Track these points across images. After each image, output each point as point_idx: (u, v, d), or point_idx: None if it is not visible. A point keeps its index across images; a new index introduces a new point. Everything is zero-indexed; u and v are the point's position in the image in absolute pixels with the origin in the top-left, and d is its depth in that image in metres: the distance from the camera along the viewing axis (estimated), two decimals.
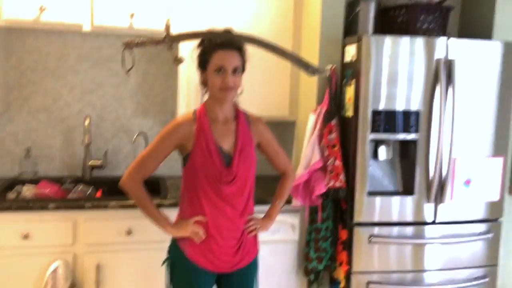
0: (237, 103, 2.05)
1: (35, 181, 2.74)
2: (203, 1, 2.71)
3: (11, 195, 2.60)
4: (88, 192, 2.76)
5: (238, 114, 2.02)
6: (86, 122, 2.88)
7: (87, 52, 2.99)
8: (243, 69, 1.95)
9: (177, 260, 2.00)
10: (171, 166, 3.16)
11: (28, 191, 2.61)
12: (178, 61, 1.87)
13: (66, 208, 2.42)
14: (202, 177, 1.92)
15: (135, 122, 3.09)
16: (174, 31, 1.97)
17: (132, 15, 2.63)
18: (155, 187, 2.88)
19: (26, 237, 2.37)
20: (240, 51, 1.93)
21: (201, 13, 2.73)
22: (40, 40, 2.91)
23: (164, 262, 2.07)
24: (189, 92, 2.79)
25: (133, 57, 1.88)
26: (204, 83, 1.97)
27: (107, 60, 3.01)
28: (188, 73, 2.76)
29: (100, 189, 2.86)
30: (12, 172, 2.94)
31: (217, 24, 2.66)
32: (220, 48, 1.88)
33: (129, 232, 2.48)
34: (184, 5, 2.71)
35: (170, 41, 1.87)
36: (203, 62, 1.93)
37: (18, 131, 2.94)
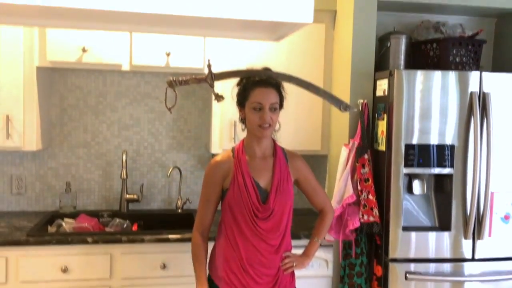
0: (275, 139, 2.09)
1: (74, 215, 2.83)
2: (236, 40, 2.79)
3: (52, 229, 2.69)
4: (125, 226, 2.82)
5: (276, 150, 2.05)
6: (124, 157, 2.97)
7: (125, 90, 3.11)
8: (280, 106, 1.99)
9: None
10: None
11: (67, 225, 2.70)
12: (219, 98, 1.92)
13: (103, 242, 2.48)
14: (238, 212, 1.95)
15: (170, 157, 3.17)
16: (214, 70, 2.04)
17: (168, 54, 2.74)
18: (189, 220, 2.92)
19: (65, 270, 2.43)
20: (278, 88, 1.97)
21: (235, 51, 2.81)
22: (81, 79, 3.06)
23: None
24: (222, 127, 2.86)
25: (176, 95, 1.93)
26: (243, 120, 2.03)
27: (144, 96, 3.12)
28: (221, 109, 2.82)
29: (135, 223, 2.92)
30: (53, 206, 3.04)
31: (251, 62, 2.75)
32: (258, 86, 1.94)
33: (163, 267, 2.51)
34: (219, 44, 2.80)
35: (212, 79, 1.93)
36: (241, 100, 1.99)
37: (59, 166, 3.05)
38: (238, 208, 1.95)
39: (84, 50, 2.67)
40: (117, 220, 2.84)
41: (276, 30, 1.20)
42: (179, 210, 3.08)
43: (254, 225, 1.95)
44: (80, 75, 3.05)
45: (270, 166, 2.02)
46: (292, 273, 2.10)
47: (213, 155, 3.11)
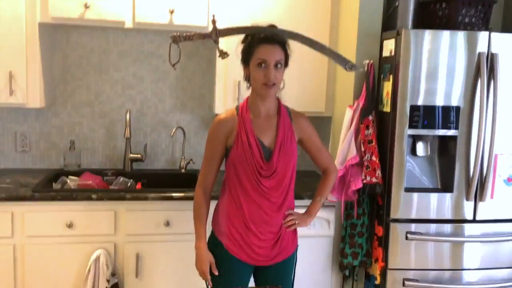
0: (280, 98, 2.07)
1: (78, 173, 2.85)
2: None
3: (57, 185, 2.72)
4: (129, 184, 2.85)
5: (280, 109, 2.04)
6: (127, 117, 2.96)
7: (129, 48, 3.07)
8: (285, 64, 1.97)
9: (215, 250, 2.04)
10: None
11: (72, 182, 2.72)
12: (224, 54, 1.90)
13: (108, 199, 2.50)
14: (241, 170, 1.96)
15: (174, 117, 3.16)
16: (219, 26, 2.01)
17: (172, 11, 2.69)
18: (193, 180, 2.94)
19: (70, 226, 2.47)
20: (283, 46, 1.94)
21: (239, 8, 2.76)
22: (84, 37, 3.02)
23: None
24: (226, 86, 2.84)
25: (180, 51, 1.91)
26: (247, 78, 2.00)
27: (148, 56, 3.09)
28: (225, 69, 2.80)
29: (139, 182, 2.94)
30: (58, 164, 3.06)
31: (255, 18, 2.70)
32: (263, 43, 1.91)
33: (167, 224, 2.55)
34: (223, 1, 2.74)
35: (217, 35, 1.90)
36: (246, 57, 1.96)
37: (63, 124, 3.06)
38: (241, 166, 1.96)
39: (86, 6, 2.62)
40: (121, 178, 2.86)
41: None
42: (183, 170, 3.10)
43: (257, 183, 1.96)
44: (83, 33, 3.01)
45: (274, 125, 2.01)
46: (295, 231, 2.13)
47: (217, 115, 3.11)
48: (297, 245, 2.15)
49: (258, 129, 1.99)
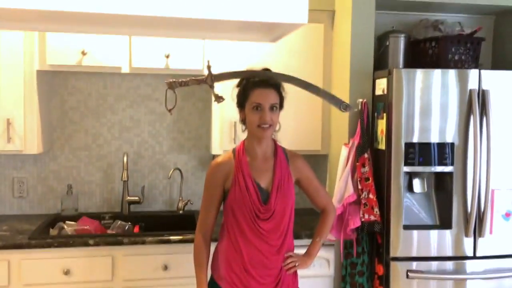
0: (276, 140, 2.09)
1: (76, 217, 2.84)
2: (235, 42, 2.79)
3: (54, 231, 2.70)
4: (126, 228, 2.83)
5: (277, 151, 2.05)
6: (125, 159, 2.98)
7: (126, 92, 3.12)
8: (281, 107, 1.99)
9: None
10: None
11: (69, 227, 2.70)
12: (219, 98, 1.93)
13: (105, 244, 2.48)
14: (239, 214, 1.95)
15: (171, 158, 3.17)
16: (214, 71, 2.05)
17: (167, 56, 2.74)
18: (191, 221, 2.93)
19: (67, 273, 2.44)
20: (278, 89, 1.97)
21: (234, 52, 2.82)
22: (82, 82, 3.06)
23: None
24: (222, 127, 2.86)
25: (176, 97, 1.93)
26: (243, 120, 2.03)
27: (144, 98, 3.13)
28: (221, 109, 2.83)
29: (137, 225, 2.92)
30: (55, 208, 3.05)
31: (250, 63, 2.76)
32: (258, 87, 1.94)
33: (165, 268, 2.52)
34: (218, 46, 2.80)
35: (212, 80, 1.93)
36: (242, 101, 1.99)
37: (60, 169, 3.06)
38: (239, 209, 1.95)
39: (83, 53, 2.68)
40: (119, 222, 2.85)
41: (272, 31, 1.21)
42: (181, 212, 3.09)
43: (255, 226, 1.95)
44: (80, 78, 3.06)
45: (271, 167, 2.02)
46: (295, 273, 2.10)
47: (214, 156, 3.13)
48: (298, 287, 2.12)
49: (255, 172, 1.99)
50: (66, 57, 2.67)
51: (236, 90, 2.03)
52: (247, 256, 1.96)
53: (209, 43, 2.79)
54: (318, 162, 3.14)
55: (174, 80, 1.94)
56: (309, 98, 2.74)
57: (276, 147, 2.07)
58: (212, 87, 1.96)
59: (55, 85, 3.04)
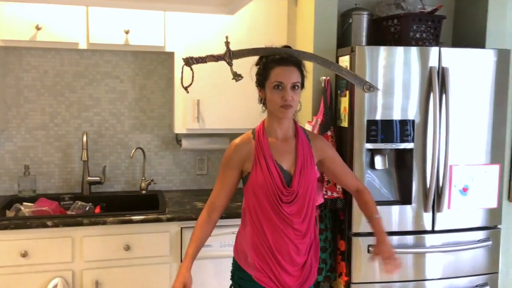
0: (297, 120, 2.01)
1: (34, 199, 2.75)
2: (197, 17, 2.73)
3: (10, 213, 2.61)
4: (87, 208, 2.77)
5: (298, 131, 1.97)
6: (84, 139, 2.89)
7: (84, 69, 3.01)
8: (302, 86, 1.90)
9: (242, 284, 1.95)
10: (170, 180, 3.18)
11: (26, 209, 2.62)
12: (237, 77, 1.85)
13: (64, 225, 2.42)
14: (262, 197, 1.87)
15: (133, 137, 3.11)
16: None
17: (127, 32, 2.66)
18: (154, 201, 2.89)
19: (25, 255, 2.37)
20: (299, 67, 1.88)
21: (196, 27, 2.75)
22: (37, 58, 2.94)
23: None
24: (185, 105, 2.81)
25: (193, 74, 1.84)
26: (263, 100, 1.94)
27: (104, 76, 3.04)
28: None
29: (98, 206, 2.86)
30: (11, 190, 2.95)
31: (213, 39, 2.71)
32: (279, 64, 1.84)
33: (127, 248, 2.48)
34: (179, 21, 2.73)
35: (230, 57, 1.85)
36: (261, 79, 1.89)
37: (16, 149, 2.95)
38: (262, 192, 1.86)
39: (38, 28, 2.56)
40: (79, 203, 2.78)
41: (229, 3, 1.18)
42: (144, 192, 3.04)
43: (279, 209, 1.86)
44: (36, 54, 2.93)
45: (292, 148, 1.93)
46: (317, 261, 2.03)
47: (177, 135, 3.08)
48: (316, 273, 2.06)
49: (276, 153, 1.90)
50: (20, 32, 2.56)
51: (255, 68, 1.93)
52: (273, 241, 1.88)
53: (170, 19, 2.71)
54: None
55: (190, 56, 1.85)
56: None
57: (297, 127, 1.98)
58: (230, 64, 1.87)
59: (8, 62, 2.90)
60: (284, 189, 1.87)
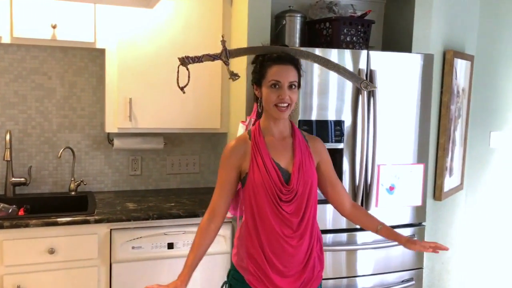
0: (293, 120, 1.99)
1: None
2: (129, 13, 2.66)
3: None
4: (10, 210, 2.62)
5: (295, 131, 1.96)
6: (7, 137, 2.74)
7: (9, 65, 2.86)
8: (299, 85, 1.89)
9: (236, 285, 1.93)
10: (101, 180, 3.09)
11: None
12: (234, 76, 1.82)
13: None
14: (260, 196, 1.83)
15: (62, 137, 2.98)
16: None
17: (54, 26, 2.55)
18: (83, 202, 2.79)
19: None
20: (296, 66, 1.88)
21: (129, 25, 2.69)
22: None
23: (222, 286, 1.99)
24: (117, 104, 2.74)
25: (189, 73, 1.80)
26: (259, 100, 1.91)
27: (31, 72, 2.90)
28: (116, 84, 2.70)
29: (22, 207, 2.73)
30: None
31: (147, 37, 2.66)
32: (276, 63, 1.84)
33: (51, 252, 2.38)
34: (111, 16, 2.65)
35: (227, 56, 1.83)
36: (258, 78, 1.87)
37: None
38: (260, 192, 1.83)
39: None
40: (1, 205, 2.62)
41: None
42: (73, 193, 2.93)
43: (278, 209, 1.83)
44: None
45: (289, 146, 1.91)
46: (322, 263, 2.00)
47: (109, 134, 2.99)
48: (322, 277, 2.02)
49: (273, 151, 1.88)
50: None
51: (251, 67, 1.91)
52: (268, 245, 1.83)
53: (100, 14, 2.63)
54: (218, 140, 3.13)
55: (186, 56, 1.82)
56: (209, 76, 2.73)
57: (293, 127, 1.97)
58: (227, 63, 1.85)
59: None
60: (283, 187, 1.85)
